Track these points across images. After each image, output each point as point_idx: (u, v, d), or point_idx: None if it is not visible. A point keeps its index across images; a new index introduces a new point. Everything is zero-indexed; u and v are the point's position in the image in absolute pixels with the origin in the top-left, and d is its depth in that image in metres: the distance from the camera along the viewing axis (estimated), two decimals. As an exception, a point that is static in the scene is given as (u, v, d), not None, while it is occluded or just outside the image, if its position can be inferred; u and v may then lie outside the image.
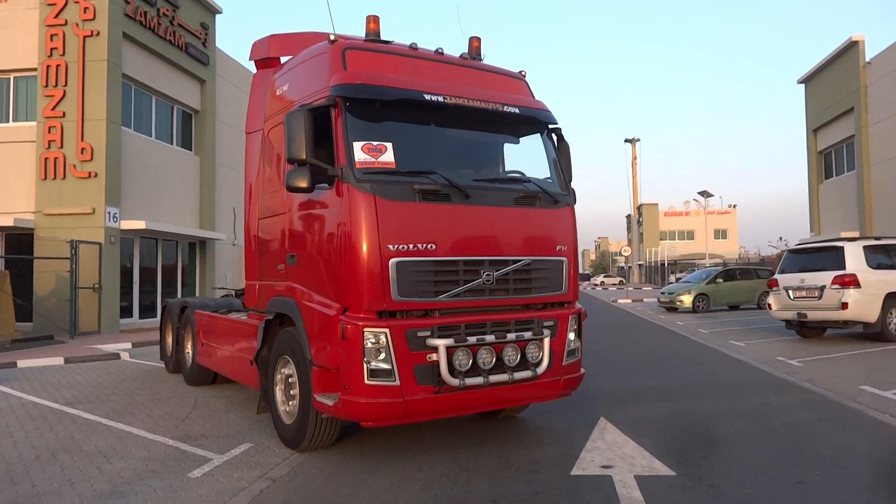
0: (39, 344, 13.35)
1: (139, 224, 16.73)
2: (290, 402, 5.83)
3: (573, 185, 6.46)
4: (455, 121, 5.82)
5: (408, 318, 5.10)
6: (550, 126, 6.38)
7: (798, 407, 7.20)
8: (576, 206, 6.33)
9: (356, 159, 5.10)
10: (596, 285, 74.28)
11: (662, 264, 65.15)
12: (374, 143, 5.23)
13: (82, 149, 15.79)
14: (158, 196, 18.69)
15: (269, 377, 6.16)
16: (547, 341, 5.60)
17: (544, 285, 5.81)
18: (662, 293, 25.79)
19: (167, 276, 19.76)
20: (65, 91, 15.87)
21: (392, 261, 4.98)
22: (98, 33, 15.93)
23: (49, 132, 15.90)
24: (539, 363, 5.55)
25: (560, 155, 6.40)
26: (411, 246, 5.07)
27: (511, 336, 5.40)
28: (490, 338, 5.29)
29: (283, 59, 6.78)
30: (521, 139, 6.49)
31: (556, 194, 6.03)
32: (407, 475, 5.02)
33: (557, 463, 5.22)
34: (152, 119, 18.99)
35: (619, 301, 34.69)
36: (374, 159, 5.17)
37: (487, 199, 5.60)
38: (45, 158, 15.91)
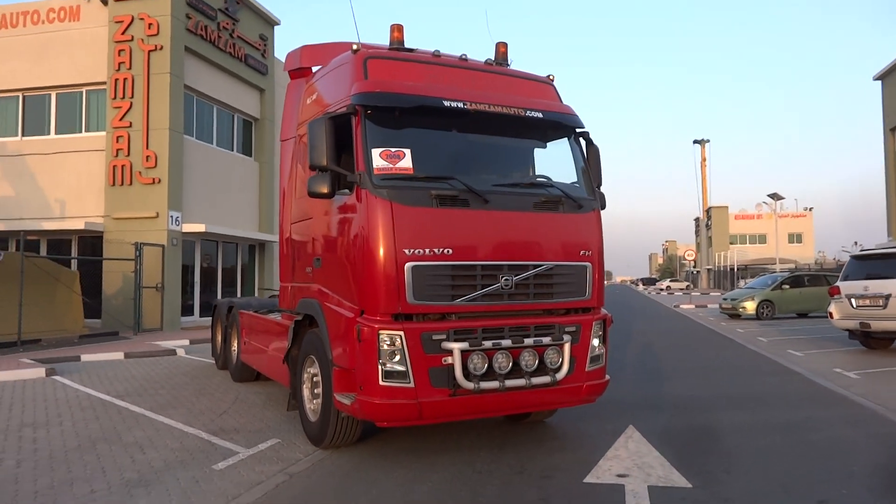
0: (105, 339, 14.13)
1: (199, 227, 17.49)
2: (315, 401, 6.00)
3: (603, 188, 6.41)
4: (478, 126, 5.85)
5: (424, 322, 5.17)
6: (578, 130, 6.34)
7: (843, 422, 6.85)
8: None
9: (374, 165, 5.21)
10: (661, 290, 72.22)
11: (732, 269, 62.91)
12: (393, 150, 5.32)
13: (147, 156, 16.66)
14: (219, 200, 19.48)
15: (297, 376, 6.35)
16: (567, 347, 5.55)
17: (567, 290, 5.77)
18: (724, 299, 24.94)
19: (227, 277, 20.55)
20: (131, 103, 16.79)
21: (408, 265, 5.06)
22: (161, 48, 16.78)
23: (117, 141, 16.85)
24: (559, 369, 5.51)
25: (589, 159, 6.34)
26: (427, 250, 5.14)
27: (529, 341, 5.38)
28: (507, 342, 5.29)
29: (315, 69, 6.99)
30: (548, 144, 6.48)
31: (581, 199, 5.97)
32: (421, 476, 5.08)
33: (573, 470, 5.16)
34: (214, 127, 19.83)
35: (681, 306, 33.77)
36: (391, 165, 5.27)
37: (507, 203, 5.61)
38: (114, 166, 16.87)
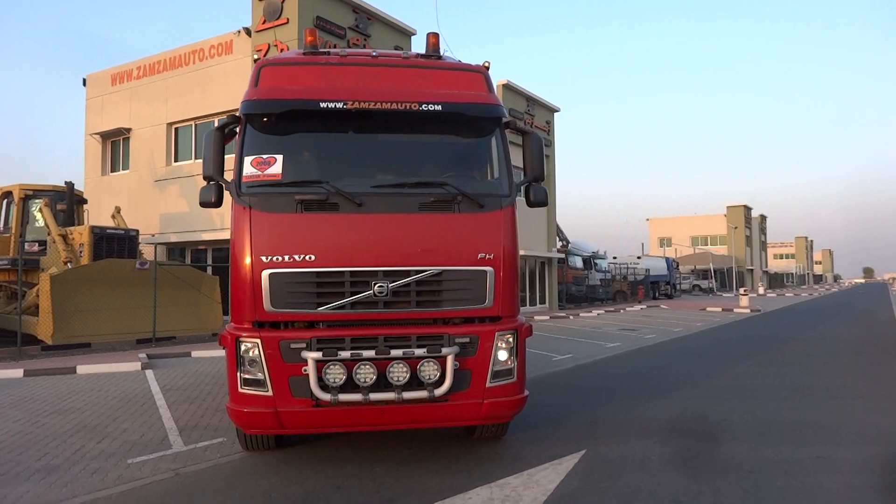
0: (233, 337, 15.88)
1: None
2: (239, 404, 6.22)
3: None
4: (374, 125, 5.61)
5: (285, 330, 5.12)
6: (504, 120, 5.77)
7: (852, 467, 5.31)
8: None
9: (243, 173, 5.30)
10: None
11: None
12: (264, 157, 5.35)
13: (279, 171, 18.39)
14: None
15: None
16: (450, 360, 5.09)
17: (460, 297, 5.30)
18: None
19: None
20: (267, 122, 18.67)
21: (265, 272, 5.06)
22: (289, 70, 18.39)
23: (257, 158, 18.87)
24: (438, 383, 5.08)
25: (524, 150, 5.79)
26: (287, 257, 5.08)
27: (397, 352, 5.04)
28: (368, 353, 5.02)
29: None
30: (471, 136, 5.92)
31: (482, 196, 5.41)
32: (282, 486, 5.03)
33: (434, 495, 4.72)
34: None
35: (896, 314, 28.63)
36: (260, 172, 5.30)
37: (388, 206, 5.32)
38: (254, 181, 18.90)
